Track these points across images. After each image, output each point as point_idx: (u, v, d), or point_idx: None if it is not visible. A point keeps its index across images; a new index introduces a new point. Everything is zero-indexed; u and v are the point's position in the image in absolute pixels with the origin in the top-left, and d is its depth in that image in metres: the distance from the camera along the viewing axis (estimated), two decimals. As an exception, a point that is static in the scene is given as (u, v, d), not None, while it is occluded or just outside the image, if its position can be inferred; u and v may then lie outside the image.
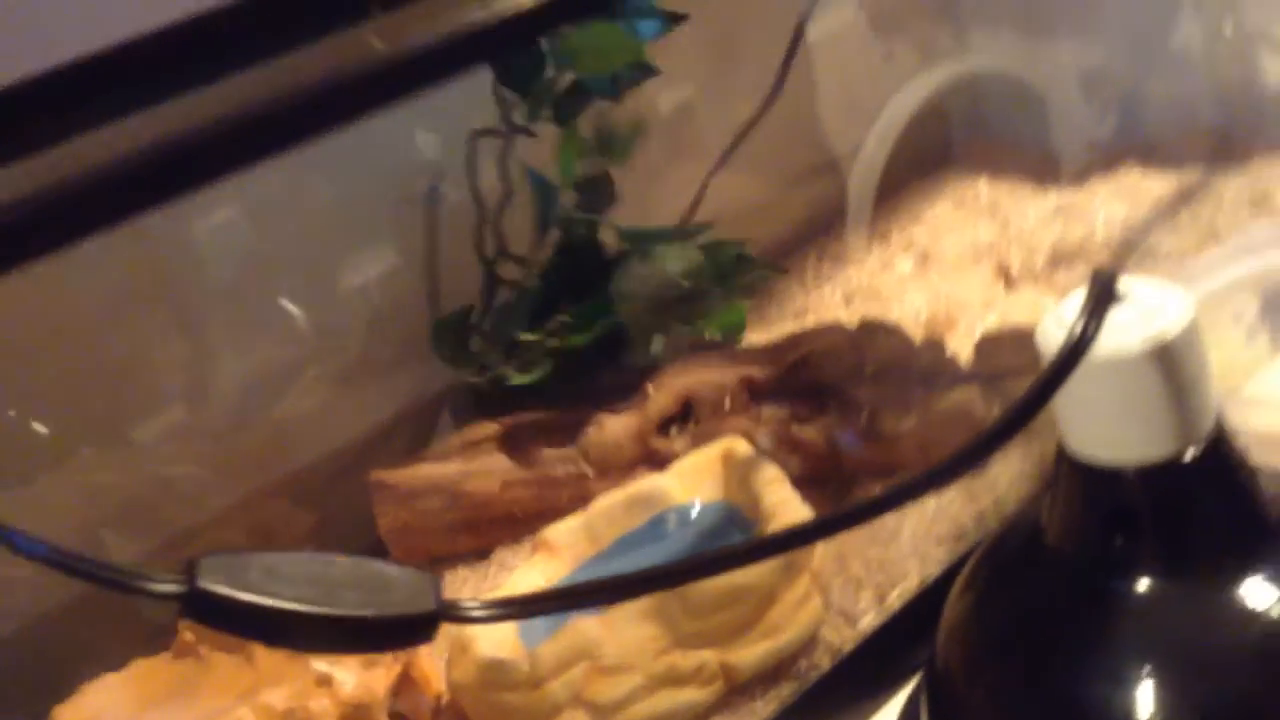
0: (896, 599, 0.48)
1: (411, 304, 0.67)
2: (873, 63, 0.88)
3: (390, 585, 0.29)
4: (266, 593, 0.28)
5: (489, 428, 0.62)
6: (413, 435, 0.67)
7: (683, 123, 0.79)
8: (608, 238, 0.61)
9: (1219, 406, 0.35)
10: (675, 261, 0.58)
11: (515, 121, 0.59)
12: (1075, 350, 0.31)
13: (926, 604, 0.44)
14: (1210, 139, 0.75)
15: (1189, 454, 0.34)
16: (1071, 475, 0.36)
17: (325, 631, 0.28)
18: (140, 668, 0.51)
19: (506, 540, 0.60)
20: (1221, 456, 0.35)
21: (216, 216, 0.59)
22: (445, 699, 0.50)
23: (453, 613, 0.30)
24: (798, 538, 0.36)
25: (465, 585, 0.58)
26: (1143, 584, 0.35)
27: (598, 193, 0.59)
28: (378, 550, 0.59)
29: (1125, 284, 0.34)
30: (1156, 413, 0.34)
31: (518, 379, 0.60)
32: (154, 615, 0.54)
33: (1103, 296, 0.33)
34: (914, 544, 0.50)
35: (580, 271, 0.59)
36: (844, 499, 0.55)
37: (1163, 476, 0.34)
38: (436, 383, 0.67)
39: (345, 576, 0.29)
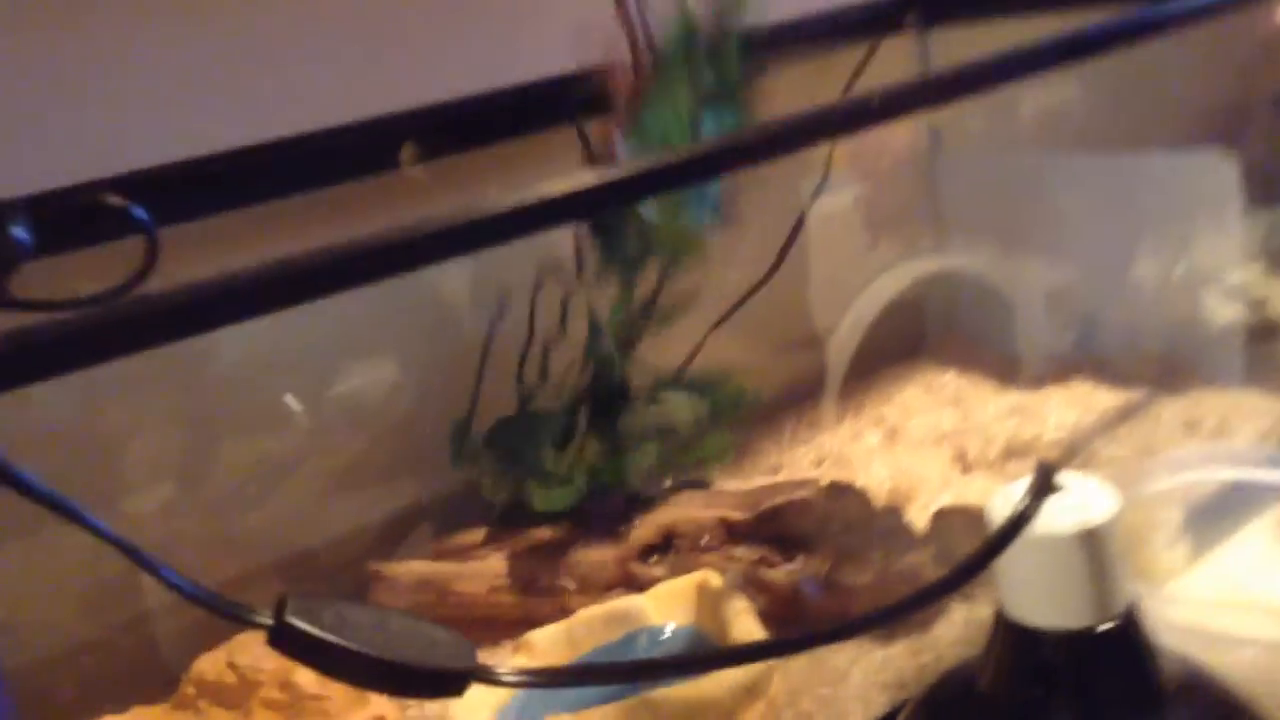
0: (841, 734, 0.53)
1: (419, 416, 0.73)
2: (860, 251, 0.97)
3: (436, 644, 0.35)
4: (337, 633, 0.33)
5: (482, 534, 0.68)
6: (409, 532, 0.72)
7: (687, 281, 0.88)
8: (635, 379, 0.68)
9: (1136, 595, 0.42)
10: (683, 410, 0.65)
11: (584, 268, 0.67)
12: (1016, 524, 0.38)
13: None
14: (1156, 365, 0.84)
15: (1102, 627, 0.40)
16: (1005, 634, 0.42)
17: (377, 672, 0.34)
18: (140, 713, 0.55)
19: (486, 641, 0.65)
20: (1130, 634, 0.41)
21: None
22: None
23: (483, 674, 0.35)
24: (766, 650, 0.41)
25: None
26: (1056, 731, 0.40)
27: (629, 342, 0.67)
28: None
29: (1065, 477, 0.41)
30: (1078, 588, 0.40)
31: (545, 502, 0.66)
32: (162, 666, 0.58)
33: (1044, 484, 0.40)
34: (860, 688, 0.55)
35: (607, 406, 0.65)
36: (797, 651, 0.60)
37: (1079, 643, 0.40)
38: (436, 487, 0.73)
39: (401, 630, 0.34)
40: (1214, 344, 0.85)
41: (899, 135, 1.00)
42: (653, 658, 0.40)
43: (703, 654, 0.49)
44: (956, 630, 0.58)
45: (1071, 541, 0.40)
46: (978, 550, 0.38)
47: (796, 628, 0.59)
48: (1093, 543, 0.40)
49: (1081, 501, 0.40)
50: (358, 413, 0.70)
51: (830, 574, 0.61)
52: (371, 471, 0.73)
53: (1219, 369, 0.82)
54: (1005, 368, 0.88)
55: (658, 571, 0.63)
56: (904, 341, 0.97)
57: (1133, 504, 0.64)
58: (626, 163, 0.60)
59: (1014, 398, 0.83)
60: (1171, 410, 0.77)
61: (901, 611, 0.39)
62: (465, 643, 0.36)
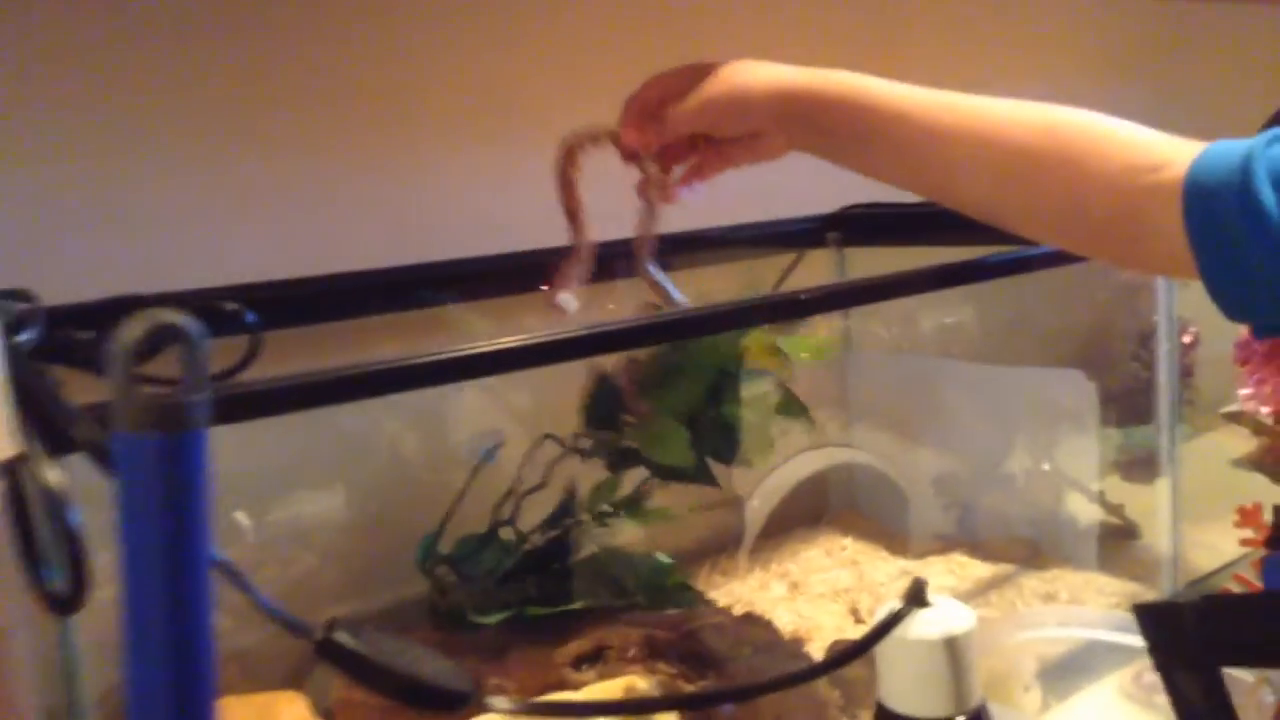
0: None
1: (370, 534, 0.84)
2: (776, 430, 1.09)
3: (445, 672, 0.44)
4: (372, 650, 0.42)
5: (435, 637, 0.76)
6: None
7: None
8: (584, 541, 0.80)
9: (987, 702, 0.53)
10: (629, 577, 0.77)
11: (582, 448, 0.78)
12: (893, 619, 0.49)
13: None
14: (1023, 548, 0.97)
15: (960, 719, 0.51)
16: (883, 720, 0.52)
17: (397, 686, 0.43)
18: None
19: (435, 727, 0.72)
20: (981, 726, 0.52)
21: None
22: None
23: (480, 698, 0.44)
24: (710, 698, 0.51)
25: (389, 759, 0.70)
26: (919, 802, 0.50)
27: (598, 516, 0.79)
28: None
29: (935, 599, 0.52)
30: (940, 685, 0.51)
31: (476, 619, 0.75)
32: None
33: (917, 594, 0.51)
34: (758, 785, 0.64)
35: (554, 560, 0.77)
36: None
37: (942, 730, 0.51)
38: (388, 596, 0.82)
39: (420, 656, 0.44)
40: (1074, 535, 0.98)
41: (818, 329, 1.15)
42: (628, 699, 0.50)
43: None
44: (843, 744, 0.68)
45: (937, 645, 0.51)
46: (866, 635, 0.49)
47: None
48: (954, 648, 0.51)
49: (946, 616, 0.52)
50: (314, 530, 0.80)
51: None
52: (327, 579, 0.81)
53: (1076, 554, 0.95)
54: (895, 540, 1.00)
55: (588, 677, 0.72)
56: (809, 510, 1.09)
57: (995, 653, 0.76)
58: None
59: (902, 563, 0.95)
60: (1033, 583, 0.89)
61: (800, 679, 0.49)
62: (466, 675, 0.45)
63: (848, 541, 1.01)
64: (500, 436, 0.79)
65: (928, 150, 0.63)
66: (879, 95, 0.64)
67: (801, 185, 1.09)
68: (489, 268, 0.85)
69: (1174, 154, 0.59)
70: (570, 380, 0.81)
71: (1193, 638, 0.53)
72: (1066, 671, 0.75)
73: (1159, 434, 0.96)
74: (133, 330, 0.28)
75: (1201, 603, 0.54)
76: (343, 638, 0.43)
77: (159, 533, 0.28)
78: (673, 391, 0.81)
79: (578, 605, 0.78)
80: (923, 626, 0.51)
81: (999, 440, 1.02)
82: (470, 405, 0.84)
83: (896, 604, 0.52)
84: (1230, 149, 0.58)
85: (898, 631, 0.51)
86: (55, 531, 0.36)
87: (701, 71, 0.68)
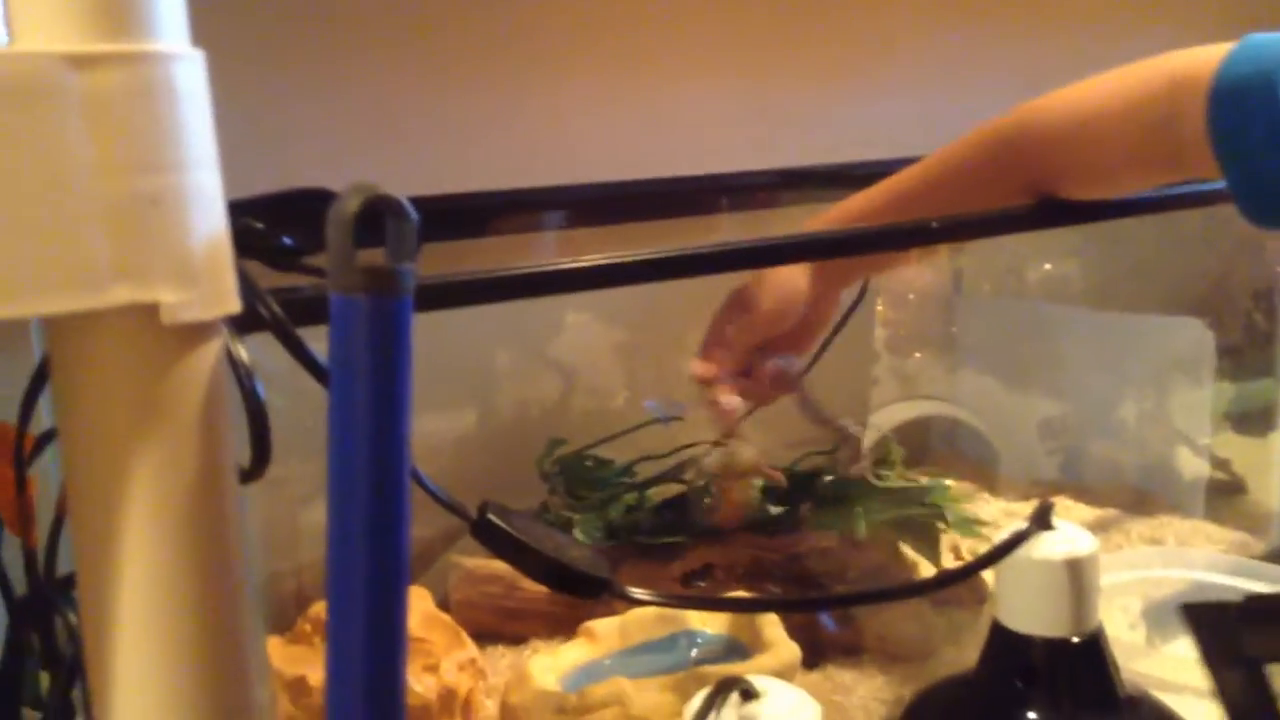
0: (844, 733, 0.64)
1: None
2: (882, 375, 1.10)
3: (587, 559, 0.46)
4: (522, 533, 0.45)
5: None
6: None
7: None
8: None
9: (1101, 621, 0.54)
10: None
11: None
12: (1019, 538, 0.50)
13: None
14: (1129, 494, 0.96)
15: (1076, 639, 0.52)
16: (999, 638, 0.54)
17: (543, 567, 0.45)
18: (269, 645, 0.65)
19: (543, 634, 0.75)
20: (1098, 647, 0.53)
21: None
22: (487, 723, 0.64)
23: (616, 587, 0.46)
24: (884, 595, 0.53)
25: (503, 659, 0.73)
26: (1031, 716, 0.52)
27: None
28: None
29: (1058, 523, 0.53)
30: (1061, 605, 0.52)
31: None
32: (281, 609, 0.69)
33: (1043, 516, 0.52)
34: (863, 700, 0.66)
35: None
36: (813, 667, 0.71)
37: (1058, 649, 0.52)
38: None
39: (564, 543, 0.46)
40: (1181, 486, 0.97)
41: (925, 273, 1.15)
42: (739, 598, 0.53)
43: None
44: (946, 668, 0.69)
45: (1059, 566, 0.52)
46: (990, 550, 0.50)
47: (810, 656, 0.70)
48: (1076, 570, 0.52)
49: (1069, 539, 0.52)
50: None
51: (845, 611, 0.72)
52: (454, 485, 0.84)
53: (1183, 505, 0.94)
54: (997, 482, 1.00)
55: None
56: (911, 452, 1.09)
57: (1102, 591, 0.76)
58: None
59: (1003, 504, 0.95)
60: (1139, 527, 0.89)
61: (927, 588, 0.51)
62: (606, 563, 0.47)
63: (949, 482, 1.01)
64: (683, 410, 0.82)
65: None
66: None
67: (913, 125, 1.09)
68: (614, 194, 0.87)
69: (1215, 55, 0.59)
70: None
71: (1240, 636, 0.53)
72: (1172, 613, 0.75)
73: (1277, 386, 0.94)
74: (352, 201, 0.29)
75: (1248, 602, 0.53)
76: (497, 520, 0.45)
77: (367, 388, 0.30)
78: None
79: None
80: (1046, 547, 0.52)
81: (1109, 387, 1.02)
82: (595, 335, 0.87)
83: (1021, 524, 0.53)
84: (1262, 46, 0.57)
85: (1021, 550, 0.52)
86: (246, 405, 0.38)
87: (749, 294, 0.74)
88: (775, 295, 0.73)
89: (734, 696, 0.38)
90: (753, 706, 0.37)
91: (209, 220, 0.29)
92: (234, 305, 0.30)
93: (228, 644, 0.32)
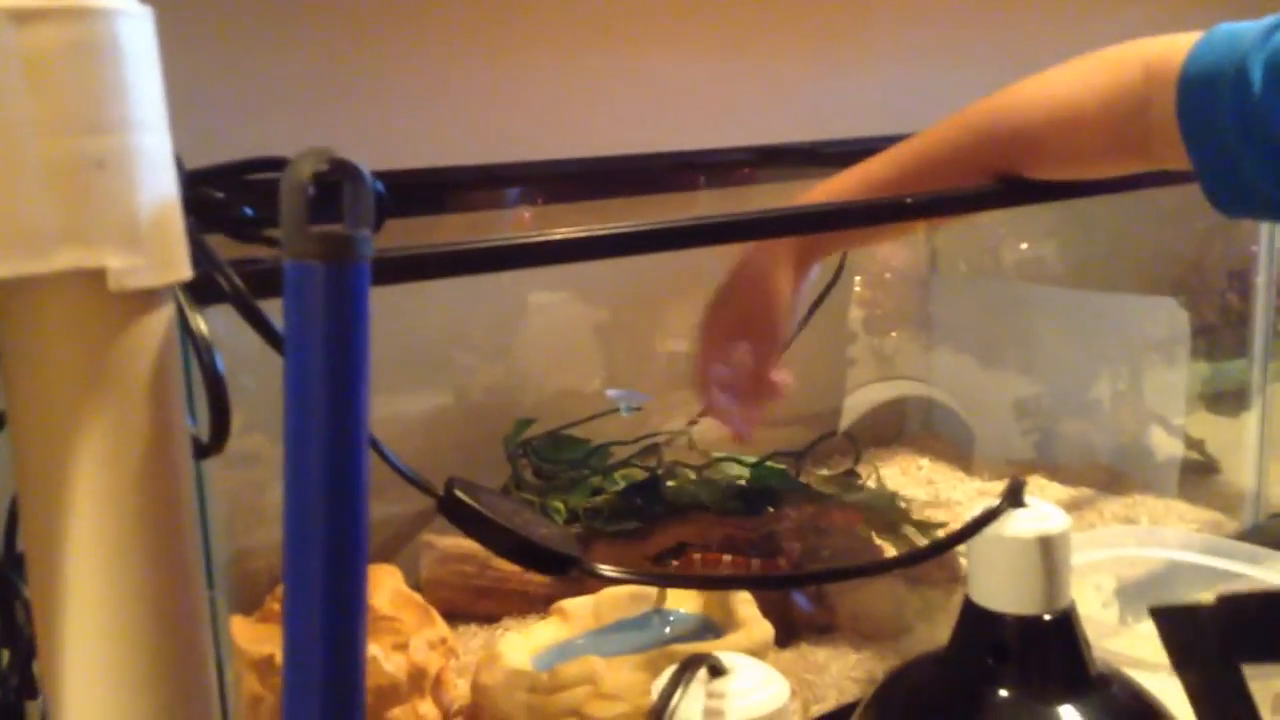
0: (816, 711, 0.64)
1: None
2: (859, 355, 1.10)
3: (554, 536, 0.46)
4: (489, 509, 0.44)
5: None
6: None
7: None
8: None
9: (1073, 599, 0.53)
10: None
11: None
12: (990, 514, 0.50)
13: None
14: (1103, 473, 0.96)
15: (1048, 616, 0.52)
16: (970, 615, 0.53)
17: (511, 543, 0.44)
18: (234, 623, 0.64)
19: (515, 612, 0.75)
20: (1069, 625, 0.52)
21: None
22: (458, 704, 0.64)
23: (584, 564, 0.46)
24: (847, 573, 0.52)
25: (475, 639, 0.73)
26: (1002, 693, 0.51)
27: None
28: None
29: (1031, 501, 0.53)
30: (1033, 582, 0.52)
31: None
32: (249, 588, 0.68)
33: (1014, 495, 0.52)
34: (836, 679, 0.66)
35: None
36: (786, 646, 0.71)
37: (1028, 626, 0.52)
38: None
39: (533, 519, 0.45)
40: (1155, 466, 0.98)
41: (901, 253, 1.15)
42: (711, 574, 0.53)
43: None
44: (919, 646, 0.69)
45: (1031, 544, 0.51)
46: (963, 526, 0.50)
47: (783, 635, 0.70)
48: (1048, 548, 0.52)
49: (1041, 516, 0.52)
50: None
51: (819, 591, 0.72)
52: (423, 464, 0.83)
53: (1157, 484, 0.94)
54: (972, 462, 1.00)
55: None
56: (887, 431, 1.09)
57: (1074, 569, 0.76)
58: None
59: (978, 484, 0.95)
60: (1113, 506, 0.89)
61: (910, 561, 0.50)
62: (574, 541, 0.47)
63: (924, 461, 1.02)
64: (648, 399, 0.82)
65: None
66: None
67: (891, 103, 1.08)
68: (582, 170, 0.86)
69: (1185, 43, 0.59)
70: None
71: (1211, 638, 0.52)
72: (1145, 591, 0.75)
73: (1251, 367, 0.94)
74: (306, 164, 0.29)
75: (1219, 603, 0.52)
76: (464, 496, 0.44)
77: (323, 356, 0.29)
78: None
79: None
80: (1018, 524, 0.52)
81: (1084, 367, 1.02)
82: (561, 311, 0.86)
83: (993, 501, 0.52)
84: (1231, 36, 0.57)
85: (992, 528, 0.52)
86: (204, 376, 0.38)
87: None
88: (751, 296, 0.72)
89: (701, 673, 0.38)
90: (720, 683, 0.37)
91: (158, 184, 0.28)
92: (184, 272, 0.29)
93: (181, 620, 0.31)
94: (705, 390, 0.73)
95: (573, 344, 0.97)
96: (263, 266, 0.41)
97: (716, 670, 0.38)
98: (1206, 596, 0.65)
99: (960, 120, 0.70)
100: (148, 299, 0.28)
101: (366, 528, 0.32)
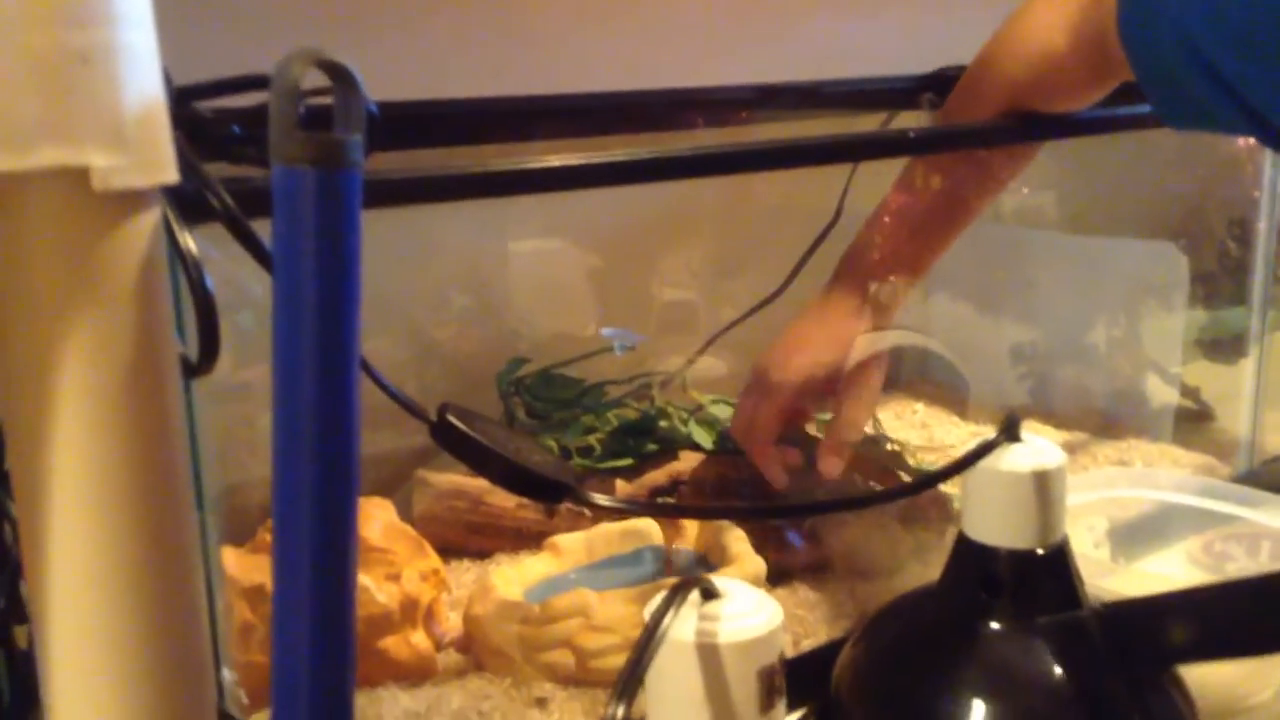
0: (808, 645, 0.64)
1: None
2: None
3: (549, 464, 0.45)
4: (482, 435, 0.44)
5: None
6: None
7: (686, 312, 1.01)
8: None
9: (1066, 534, 0.53)
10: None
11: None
12: (987, 447, 0.50)
13: (825, 657, 0.59)
14: (1097, 418, 0.96)
15: (1041, 551, 0.52)
16: (963, 549, 0.53)
17: (504, 471, 0.44)
18: (226, 554, 0.64)
19: (508, 549, 0.75)
20: (1062, 559, 0.52)
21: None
22: (450, 635, 0.64)
23: (580, 493, 0.46)
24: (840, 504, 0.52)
25: (468, 574, 0.73)
26: (994, 626, 0.52)
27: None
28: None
29: (1027, 436, 0.53)
30: (1027, 517, 0.52)
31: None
32: (242, 521, 0.68)
33: (1010, 429, 0.52)
34: (828, 615, 0.66)
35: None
36: (779, 584, 0.71)
37: (1022, 560, 0.52)
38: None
39: (528, 447, 0.45)
40: (1149, 413, 0.98)
41: (899, 197, 1.13)
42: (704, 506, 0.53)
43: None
44: (913, 584, 0.69)
45: (1026, 478, 0.51)
46: (959, 458, 0.50)
47: (776, 573, 0.70)
48: (1043, 482, 0.52)
49: (1037, 451, 0.52)
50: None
51: (810, 529, 0.72)
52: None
53: (1151, 430, 0.94)
54: (967, 408, 1.00)
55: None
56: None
57: (1068, 510, 0.76)
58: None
59: (972, 428, 0.95)
60: (1106, 450, 0.89)
61: (904, 493, 0.50)
62: (571, 470, 0.46)
63: (919, 406, 1.02)
64: (642, 339, 0.81)
65: None
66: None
67: (895, 43, 1.07)
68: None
69: None
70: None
71: (1102, 647, 0.51)
72: (1137, 533, 0.75)
73: (1249, 314, 0.94)
74: (296, 66, 0.28)
75: (1105, 610, 0.51)
76: (456, 421, 0.44)
77: (313, 268, 0.29)
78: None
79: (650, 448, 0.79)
80: (1013, 459, 0.52)
81: (1081, 312, 1.01)
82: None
83: (989, 435, 0.52)
84: None
85: (988, 462, 0.52)
86: (192, 293, 0.37)
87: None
88: (804, 360, 0.71)
89: (694, 596, 0.37)
90: (713, 606, 0.37)
91: (143, 82, 0.27)
92: (170, 175, 0.28)
93: (168, 536, 0.31)
94: (750, 440, 0.72)
95: (569, 288, 0.97)
96: (252, 185, 0.40)
97: (709, 594, 0.37)
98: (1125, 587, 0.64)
99: (956, 99, 0.70)
100: (133, 201, 0.28)
101: (357, 448, 0.32)
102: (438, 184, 0.46)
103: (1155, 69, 0.59)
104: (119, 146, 0.26)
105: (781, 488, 0.71)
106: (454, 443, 0.44)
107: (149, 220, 0.28)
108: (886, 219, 0.72)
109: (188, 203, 0.37)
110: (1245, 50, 0.52)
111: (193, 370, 0.38)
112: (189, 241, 0.37)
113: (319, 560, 0.32)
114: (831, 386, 0.70)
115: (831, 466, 0.69)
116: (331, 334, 0.30)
